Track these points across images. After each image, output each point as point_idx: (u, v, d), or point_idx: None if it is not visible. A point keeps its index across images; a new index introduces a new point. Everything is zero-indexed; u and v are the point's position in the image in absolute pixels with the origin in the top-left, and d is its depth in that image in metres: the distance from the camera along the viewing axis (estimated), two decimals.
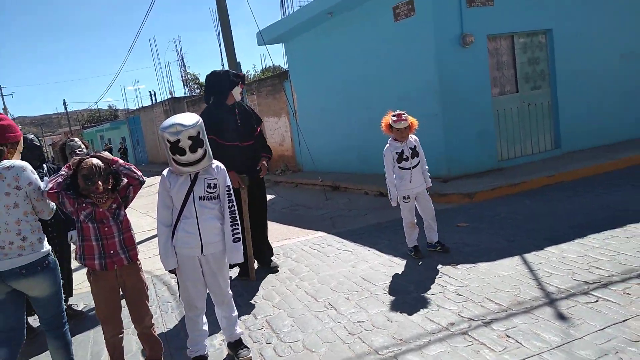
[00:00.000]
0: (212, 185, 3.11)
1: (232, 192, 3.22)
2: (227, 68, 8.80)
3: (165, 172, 3.15)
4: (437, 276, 4.36)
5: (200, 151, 2.99)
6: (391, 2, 8.77)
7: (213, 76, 4.99)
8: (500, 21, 8.46)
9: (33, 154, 4.14)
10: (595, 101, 9.30)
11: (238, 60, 11.92)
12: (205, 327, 3.35)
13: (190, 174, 3.07)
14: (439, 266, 4.60)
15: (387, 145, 4.81)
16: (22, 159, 3.13)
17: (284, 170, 13.93)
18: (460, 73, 8.20)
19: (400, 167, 4.77)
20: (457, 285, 4.10)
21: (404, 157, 4.73)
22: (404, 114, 4.63)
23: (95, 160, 2.90)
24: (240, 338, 3.40)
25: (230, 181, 3.30)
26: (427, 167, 4.93)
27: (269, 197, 10.55)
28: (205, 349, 3.33)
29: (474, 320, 3.46)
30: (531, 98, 8.99)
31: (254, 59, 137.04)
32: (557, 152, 9.17)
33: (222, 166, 3.25)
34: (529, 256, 4.54)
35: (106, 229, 2.95)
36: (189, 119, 3.00)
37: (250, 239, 4.86)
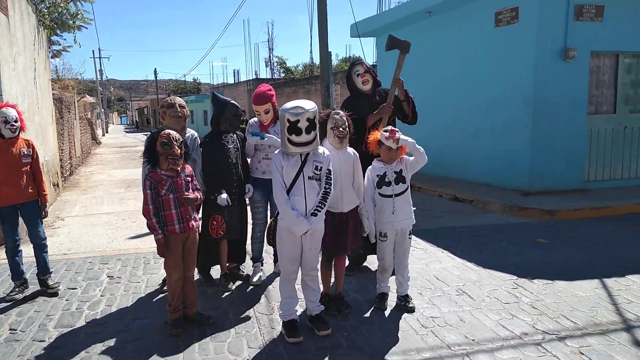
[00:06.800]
0: (318, 167, 3.41)
1: (332, 176, 3.49)
2: (316, 56, 9.02)
3: (276, 152, 3.47)
4: (512, 287, 4.43)
5: (312, 133, 3.33)
6: (494, 7, 8.67)
7: None
8: (606, 38, 8.14)
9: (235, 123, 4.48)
10: None
11: (329, 50, 12.22)
12: (296, 295, 3.67)
13: (300, 155, 3.37)
14: (515, 278, 4.65)
15: (370, 166, 4.02)
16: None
17: None
18: (557, 87, 8.00)
19: (380, 194, 3.89)
20: (532, 299, 4.16)
21: (386, 181, 3.87)
22: (398, 131, 3.80)
23: (172, 132, 3.57)
24: (320, 313, 3.68)
25: None
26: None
27: None
28: (296, 314, 3.63)
29: (548, 333, 3.54)
30: (629, 121, 8.60)
31: (338, 48, 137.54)
32: None
33: (328, 152, 3.52)
34: (609, 281, 4.50)
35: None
36: (309, 104, 3.37)
37: None
